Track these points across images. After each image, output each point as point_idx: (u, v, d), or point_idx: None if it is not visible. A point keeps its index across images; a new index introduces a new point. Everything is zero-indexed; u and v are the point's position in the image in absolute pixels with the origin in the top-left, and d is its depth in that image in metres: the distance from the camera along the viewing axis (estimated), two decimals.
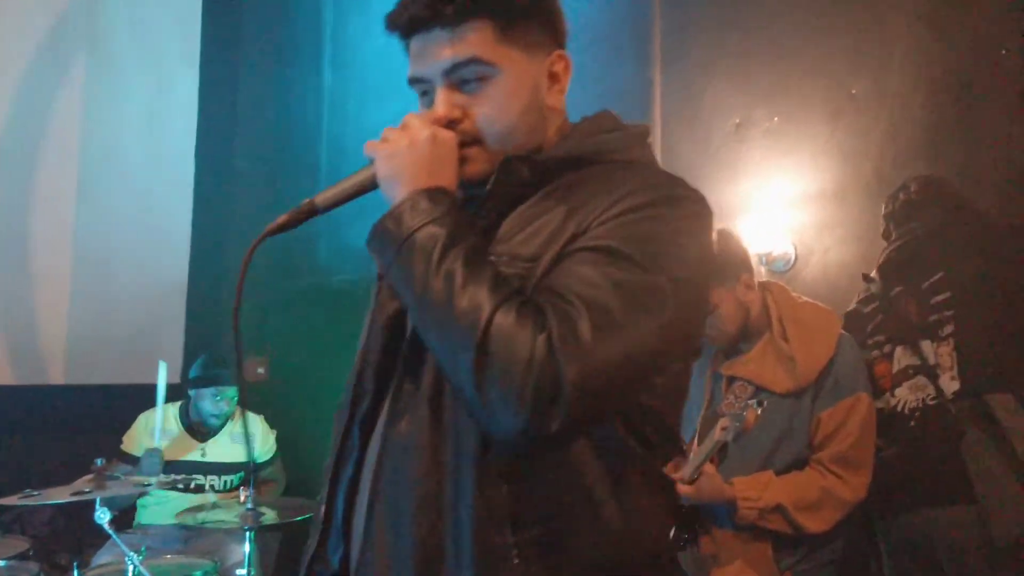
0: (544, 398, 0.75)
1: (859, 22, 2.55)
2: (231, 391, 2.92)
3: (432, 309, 0.80)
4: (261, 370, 3.91)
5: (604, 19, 3.25)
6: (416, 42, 0.93)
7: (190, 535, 2.74)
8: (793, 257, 2.59)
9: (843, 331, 1.90)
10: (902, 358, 1.98)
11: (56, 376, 3.83)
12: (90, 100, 4.00)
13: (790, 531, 1.77)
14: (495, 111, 0.92)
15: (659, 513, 0.92)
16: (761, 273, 2.63)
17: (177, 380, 4.17)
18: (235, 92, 4.62)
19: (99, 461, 2.15)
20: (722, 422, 1.73)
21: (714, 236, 1.92)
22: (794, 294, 1.99)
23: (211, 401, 2.91)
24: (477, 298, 0.78)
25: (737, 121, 2.79)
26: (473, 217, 0.90)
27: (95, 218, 3.95)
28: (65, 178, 3.90)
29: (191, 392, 2.98)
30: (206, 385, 2.91)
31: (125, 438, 2.93)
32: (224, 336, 4.23)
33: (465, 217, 0.86)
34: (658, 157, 3.06)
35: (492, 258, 0.86)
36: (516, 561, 0.82)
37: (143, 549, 2.11)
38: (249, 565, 2.23)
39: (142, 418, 2.96)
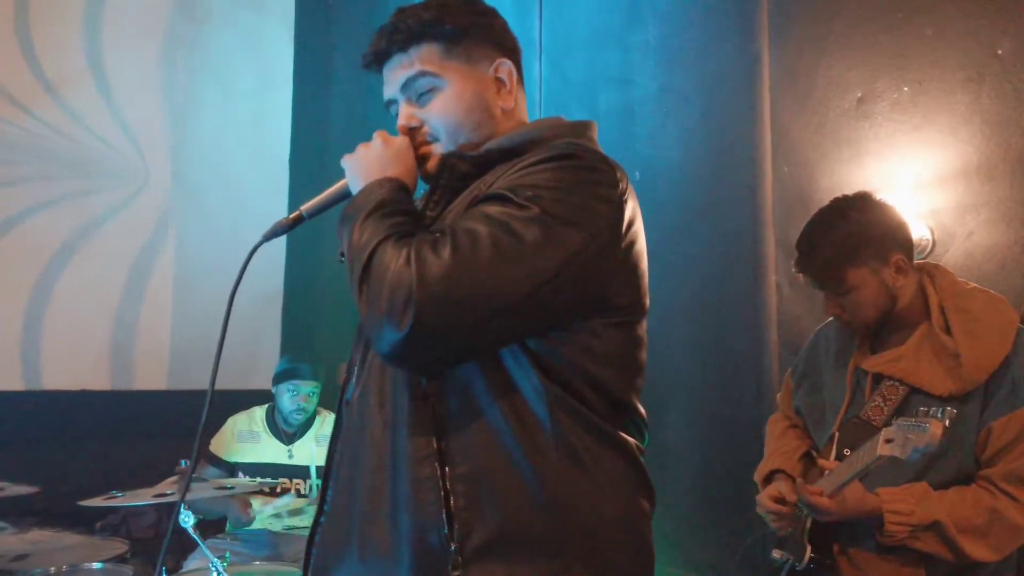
0: (398, 302, 0.85)
1: None
2: (309, 387, 2.87)
3: (351, 255, 0.95)
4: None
5: None
6: (384, 71, 1.14)
7: (280, 541, 2.69)
8: (930, 243, 2.29)
9: (1022, 325, 1.56)
10: None
11: (159, 382, 3.93)
12: (192, 116, 4.11)
13: (949, 556, 1.47)
14: (443, 114, 1.10)
15: (613, 481, 0.96)
16: None
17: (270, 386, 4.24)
18: (327, 100, 4.67)
19: (183, 463, 2.11)
20: (886, 433, 1.42)
21: (867, 208, 1.61)
22: (960, 279, 1.67)
23: (288, 397, 2.86)
24: (373, 235, 0.93)
25: (859, 95, 2.51)
26: (423, 209, 1.06)
27: (195, 230, 4.05)
28: (165, 192, 4.01)
29: (273, 390, 2.95)
30: (282, 380, 2.88)
31: (214, 440, 2.93)
32: (318, 340, 4.25)
33: (407, 195, 1.03)
34: (767, 140, 2.84)
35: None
36: (442, 492, 0.90)
37: (227, 555, 2.05)
38: None
39: (231, 421, 2.95)
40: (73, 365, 3.66)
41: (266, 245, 4.09)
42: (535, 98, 3.61)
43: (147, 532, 3.58)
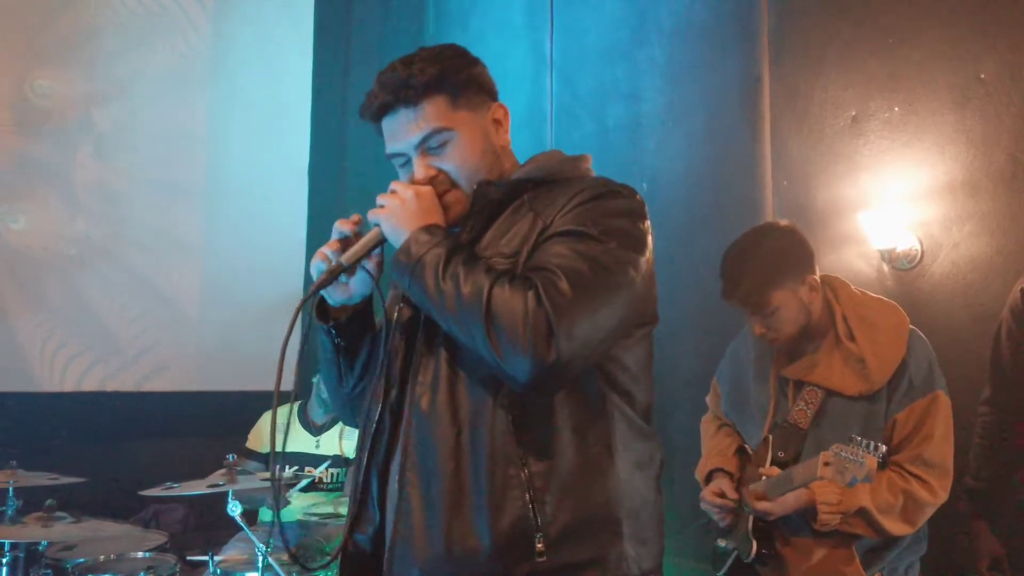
0: (541, 337, 0.98)
1: (986, 1, 2.39)
2: None
3: (448, 305, 1.04)
4: None
5: (707, 14, 3.19)
6: (387, 124, 1.20)
7: (310, 531, 2.85)
8: (919, 254, 2.44)
9: (912, 327, 1.77)
10: None
11: (185, 383, 4.10)
12: (215, 129, 4.28)
13: (874, 534, 1.69)
14: (461, 162, 1.18)
15: (641, 472, 1.13)
16: (884, 271, 2.50)
17: (291, 389, 4.40)
18: (345, 112, 4.83)
19: (231, 457, 2.28)
20: (824, 456, 1.61)
21: (781, 235, 1.82)
22: (856, 289, 1.86)
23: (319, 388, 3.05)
24: (478, 283, 1.03)
25: (853, 114, 2.67)
26: (459, 235, 1.16)
27: (220, 238, 4.22)
28: (193, 202, 4.19)
29: (314, 380, 3.13)
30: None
31: (251, 435, 3.11)
32: None
33: (456, 238, 1.13)
34: (767, 155, 3.00)
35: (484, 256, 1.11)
36: (526, 490, 1.03)
37: (271, 542, 2.22)
38: None
39: (266, 416, 3.13)
40: (102, 368, 3.83)
41: (285, 250, 4.28)
42: (546, 112, 3.78)
43: (176, 527, 3.75)
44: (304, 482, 2.90)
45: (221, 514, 3.49)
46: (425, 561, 1.07)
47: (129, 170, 3.95)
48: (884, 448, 1.61)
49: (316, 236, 4.55)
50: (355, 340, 1.23)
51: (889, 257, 2.49)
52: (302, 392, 3.27)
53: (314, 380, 3.17)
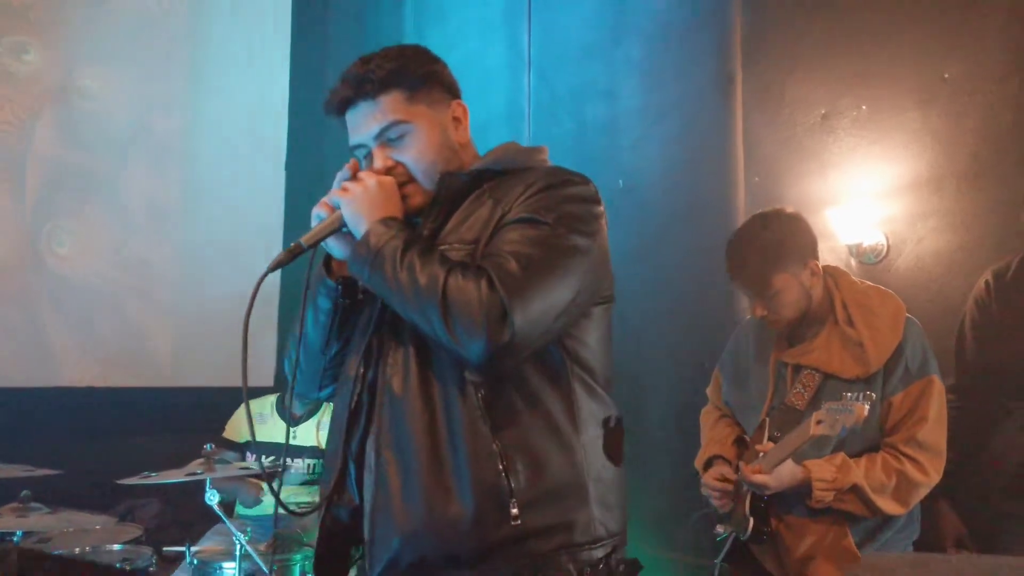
0: (495, 319, 1.05)
1: (950, 4, 2.47)
2: None
3: (404, 294, 1.10)
4: None
5: (682, 18, 3.26)
6: (349, 117, 1.27)
7: (287, 522, 2.86)
8: (885, 248, 2.52)
9: (909, 315, 1.84)
10: None
11: (160, 379, 4.08)
12: (192, 124, 4.26)
13: (867, 513, 1.74)
14: (418, 154, 1.24)
15: (611, 440, 1.21)
16: (852, 265, 2.57)
17: (270, 383, 4.40)
18: (321, 108, 4.83)
19: (208, 446, 2.29)
20: (817, 415, 1.68)
21: (785, 221, 1.89)
22: (856, 279, 1.93)
23: None
24: (433, 273, 1.09)
25: (823, 112, 2.74)
26: (420, 227, 1.22)
27: (194, 235, 4.20)
28: (168, 196, 4.17)
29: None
30: None
31: (228, 426, 3.12)
32: None
33: (412, 230, 1.18)
34: (739, 152, 3.07)
35: (444, 247, 1.17)
36: (500, 462, 1.10)
37: (248, 531, 2.23)
38: None
39: (243, 407, 3.13)
40: (81, 363, 3.80)
41: (261, 247, 4.27)
42: (524, 110, 3.82)
43: (152, 522, 3.73)
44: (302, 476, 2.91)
45: (197, 509, 3.49)
46: (406, 530, 1.12)
47: (105, 164, 3.92)
48: (873, 395, 1.69)
49: (293, 231, 4.56)
50: (355, 302, 1.28)
51: (856, 252, 2.56)
52: (279, 384, 3.27)
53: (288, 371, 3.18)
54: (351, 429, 1.24)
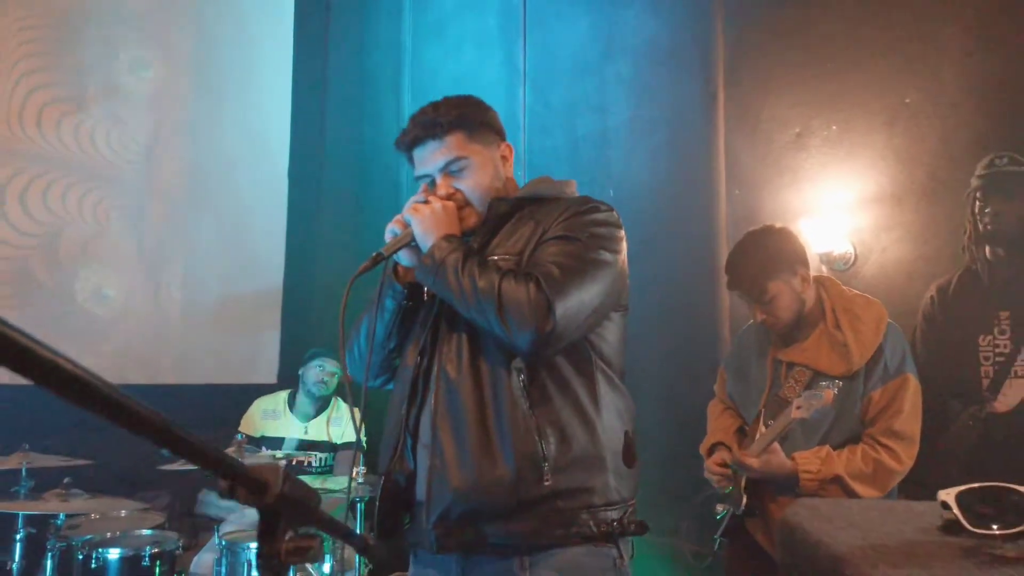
0: (542, 313, 1.30)
1: (912, 36, 2.72)
2: (334, 367, 3.28)
3: (466, 296, 1.35)
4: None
5: (669, 40, 3.49)
6: (417, 153, 1.54)
7: None
8: (853, 257, 2.76)
9: (891, 321, 2.07)
10: None
11: (168, 376, 4.25)
12: (200, 133, 4.44)
13: (848, 499, 1.94)
14: (475, 184, 1.51)
15: (620, 422, 1.45)
16: (822, 272, 2.81)
17: (274, 380, 4.58)
18: (323, 117, 5.02)
19: (240, 435, 2.48)
20: (796, 402, 1.92)
21: (775, 235, 2.15)
22: (844, 288, 2.17)
23: (316, 372, 3.26)
24: (490, 279, 1.34)
25: (797, 131, 2.99)
26: (471, 242, 1.48)
27: (202, 238, 4.37)
28: (177, 201, 4.34)
29: (300, 372, 3.34)
30: (313, 358, 3.29)
31: (243, 421, 3.32)
32: (316, 338, 4.61)
33: (468, 246, 1.45)
34: (721, 166, 3.31)
35: (494, 257, 1.43)
36: (536, 434, 1.34)
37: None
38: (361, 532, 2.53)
39: (257, 402, 3.33)
40: (90, 362, 3.96)
41: (266, 249, 4.48)
42: (520, 122, 4.03)
43: (162, 515, 3.91)
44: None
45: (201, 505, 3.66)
46: (460, 487, 1.35)
47: (114, 166, 4.08)
48: (840, 383, 1.93)
49: (295, 236, 4.74)
50: (417, 305, 1.53)
51: (827, 259, 2.81)
52: (293, 382, 3.47)
53: (300, 372, 3.38)
54: (409, 408, 1.46)
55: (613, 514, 1.38)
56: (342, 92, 5.07)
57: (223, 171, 4.49)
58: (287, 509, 0.60)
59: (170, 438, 0.48)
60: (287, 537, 0.61)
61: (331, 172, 4.98)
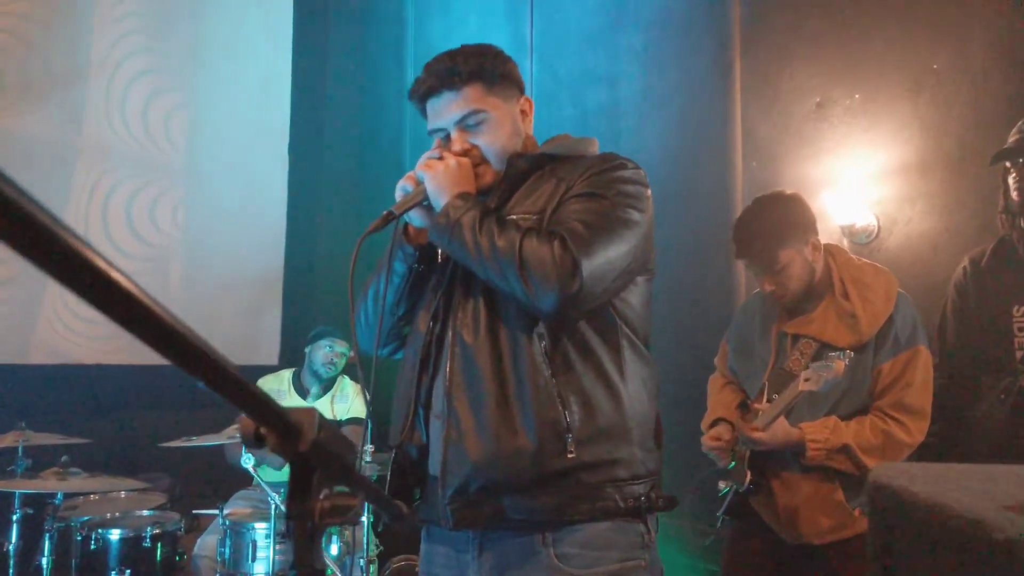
0: (567, 273, 1.20)
1: None
2: (342, 347, 3.20)
3: (484, 256, 1.26)
4: None
5: (683, 5, 3.39)
6: (431, 104, 1.42)
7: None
8: (876, 229, 2.68)
9: (900, 290, 1.98)
10: None
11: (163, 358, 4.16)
12: (201, 111, 4.33)
13: (855, 471, 1.88)
14: (492, 139, 1.40)
15: (646, 392, 1.36)
16: (844, 245, 2.72)
17: (275, 361, 4.50)
18: (324, 94, 4.92)
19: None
20: (804, 374, 1.83)
21: (786, 202, 2.05)
22: (853, 256, 2.08)
23: (324, 352, 3.18)
24: (510, 237, 1.24)
25: (817, 100, 2.89)
26: (489, 201, 1.37)
27: (202, 217, 4.29)
28: (176, 179, 4.24)
29: (307, 349, 3.25)
30: (321, 337, 3.20)
31: None
32: (317, 318, 4.53)
33: (485, 204, 1.34)
34: (737, 138, 3.21)
35: (513, 216, 1.33)
36: (559, 404, 1.26)
37: (283, 491, 2.35)
38: (368, 513, 2.46)
39: (261, 381, 3.24)
40: (92, 342, 3.87)
41: (266, 228, 4.39)
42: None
43: (162, 496, 3.85)
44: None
45: (205, 485, 3.60)
46: (478, 459, 1.27)
47: (114, 149, 3.98)
48: (852, 353, 1.83)
49: (296, 214, 4.65)
50: (429, 269, 1.43)
51: (849, 232, 2.72)
52: (298, 361, 3.38)
53: (306, 350, 3.30)
54: (420, 377, 1.37)
55: (640, 488, 1.30)
56: (344, 68, 4.96)
57: (222, 148, 4.40)
58: (322, 461, 0.52)
59: (207, 364, 0.39)
60: (322, 495, 0.52)
61: (332, 150, 4.88)
